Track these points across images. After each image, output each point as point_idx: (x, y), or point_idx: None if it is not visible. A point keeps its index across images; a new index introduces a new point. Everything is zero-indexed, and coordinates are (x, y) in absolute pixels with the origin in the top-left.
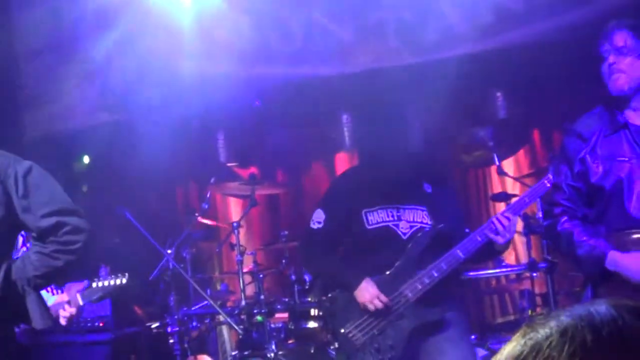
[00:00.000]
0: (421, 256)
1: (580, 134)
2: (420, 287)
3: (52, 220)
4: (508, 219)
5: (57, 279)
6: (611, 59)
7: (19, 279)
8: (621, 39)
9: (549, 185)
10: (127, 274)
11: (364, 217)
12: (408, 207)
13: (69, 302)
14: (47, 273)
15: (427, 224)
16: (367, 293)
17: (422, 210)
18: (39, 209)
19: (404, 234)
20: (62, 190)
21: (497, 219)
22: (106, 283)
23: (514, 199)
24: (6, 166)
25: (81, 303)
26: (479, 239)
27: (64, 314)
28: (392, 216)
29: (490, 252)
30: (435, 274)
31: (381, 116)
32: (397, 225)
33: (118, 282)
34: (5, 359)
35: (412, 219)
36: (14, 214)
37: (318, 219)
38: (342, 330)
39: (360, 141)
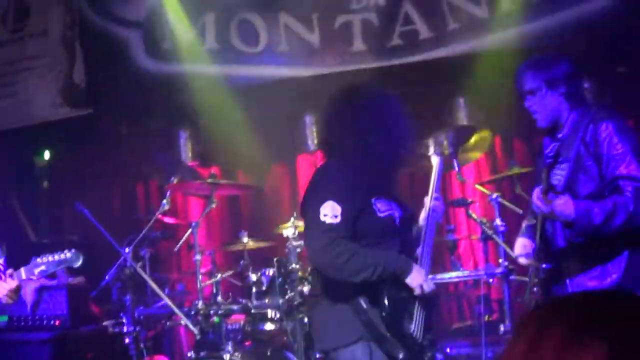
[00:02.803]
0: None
1: None
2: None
3: None
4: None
5: None
6: (526, 103)
7: None
8: (527, 81)
9: (442, 166)
10: (72, 249)
11: (374, 206)
12: (393, 197)
13: (11, 276)
14: None
15: (404, 211)
16: (420, 275)
17: (397, 200)
18: None
19: (398, 222)
20: None
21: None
22: (50, 258)
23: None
24: None
25: (24, 277)
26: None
27: (3, 287)
28: (392, 205)
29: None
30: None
31: (383, 112)
32: (394, 214)
33: (62, 256)
34: None
35: (400, 208)
36: None
37: (334, 212)
38: (411, 332)
39: (356, 134)
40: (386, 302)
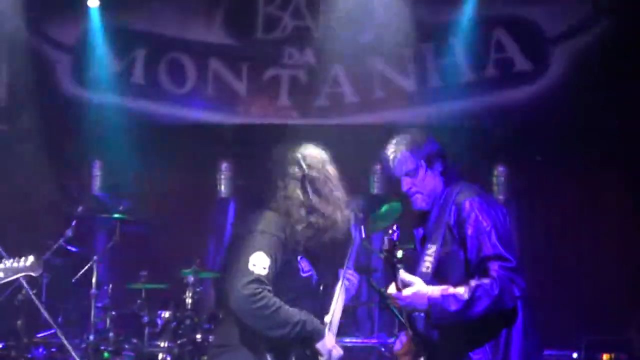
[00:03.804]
0: None
1: None
2: None
3: None
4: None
5: None
6: (405, 185)
7: None
8: (405, 162)
9: (359, 240)
10: (31, 256)
11: (299, 264)
12: (312, 260)
13: None
14: None
15: (318, 276)
16: (331, 342)
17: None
18: None
19: (314, 282)
20: None
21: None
22: (8, 264)
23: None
24: None
25: None
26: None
27: None
28: (310, 265)
29: None
30: None
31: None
32: (313, 276)
33: (21, 264)
34: None
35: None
36: None
37: (263, 264)
38: None
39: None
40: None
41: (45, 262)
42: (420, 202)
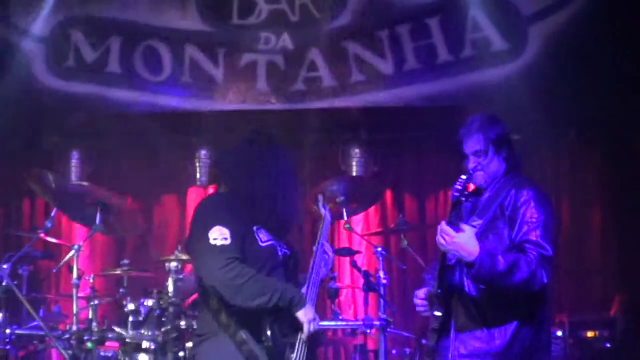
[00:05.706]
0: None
1: None
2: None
3: None
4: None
5: None
6: (471, 163)
7: None
8: (475, 143)
9: (330, 218)
10: None
11: (257, 235)
12: (278, 235)
13: None
14: None
15: (290, 250)
16: (311, 311)
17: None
18: None
19: (281, 255)
20: None
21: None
22: None
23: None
24: None
25: None
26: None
27: None
28: (271, 236)
29: None
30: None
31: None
32: (277, 245)
33: None
34: None
35: (287, 248)
36: None
37: (223, 235)
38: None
39: (248, 174)
40: (269, 333)
41: (25, 254)
42: (480, 179)
